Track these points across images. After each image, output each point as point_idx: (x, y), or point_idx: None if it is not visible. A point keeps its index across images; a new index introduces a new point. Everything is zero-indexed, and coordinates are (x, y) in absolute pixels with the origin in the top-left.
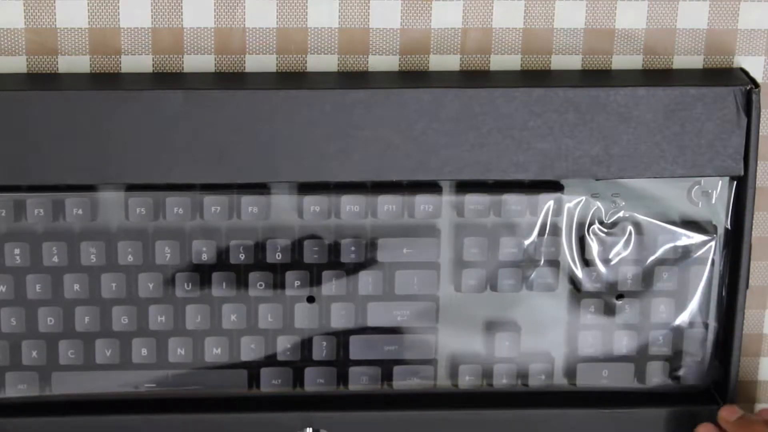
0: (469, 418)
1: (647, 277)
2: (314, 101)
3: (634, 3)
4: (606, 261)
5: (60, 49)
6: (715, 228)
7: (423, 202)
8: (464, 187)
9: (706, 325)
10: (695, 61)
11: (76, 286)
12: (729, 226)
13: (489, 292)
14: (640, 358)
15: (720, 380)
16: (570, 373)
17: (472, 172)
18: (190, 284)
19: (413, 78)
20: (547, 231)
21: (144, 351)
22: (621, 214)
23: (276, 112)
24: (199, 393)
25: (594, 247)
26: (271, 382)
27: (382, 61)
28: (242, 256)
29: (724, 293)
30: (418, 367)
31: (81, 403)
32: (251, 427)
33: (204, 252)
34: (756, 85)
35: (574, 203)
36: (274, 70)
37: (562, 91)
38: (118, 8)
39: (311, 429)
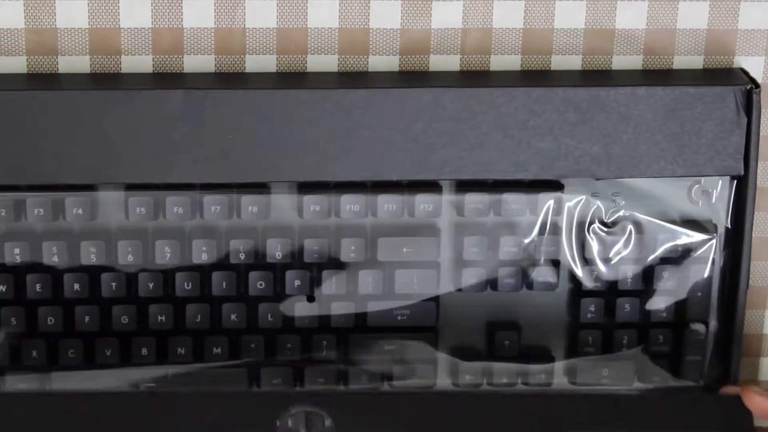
0: (469, 417)
1: (647, 276)
2: (314, 101)
3: (634, 3)
4: (606, 260)
5: (60, 49)
6: (716, 227)
7: (423, 202)
8: (464, 186)
9: (706, 325)
10: (695, 61)
11: (76, 286)
12: (729, 226)
13: (489, 292)
14: (640, 357)
15: (720, 380)
16: (570, 372)
17: (472, 171)
18: (190, 284)
19: (413, 78)
20: (547, 230)
21: (144, 350)
22: (621, 213)
23: (276, 112)
24: (199, 392)
25: (594, 246)
26: (271, 381)
27: (382, 61)
28: (242, 256)
29: (724, 293)
30: (418, 366)
31: (81, 402)
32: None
33: (204, 252)
34: (756, 85)
35: (574, 202)
36: (274, 70)
37: (562, 91)
38: (118, 8)
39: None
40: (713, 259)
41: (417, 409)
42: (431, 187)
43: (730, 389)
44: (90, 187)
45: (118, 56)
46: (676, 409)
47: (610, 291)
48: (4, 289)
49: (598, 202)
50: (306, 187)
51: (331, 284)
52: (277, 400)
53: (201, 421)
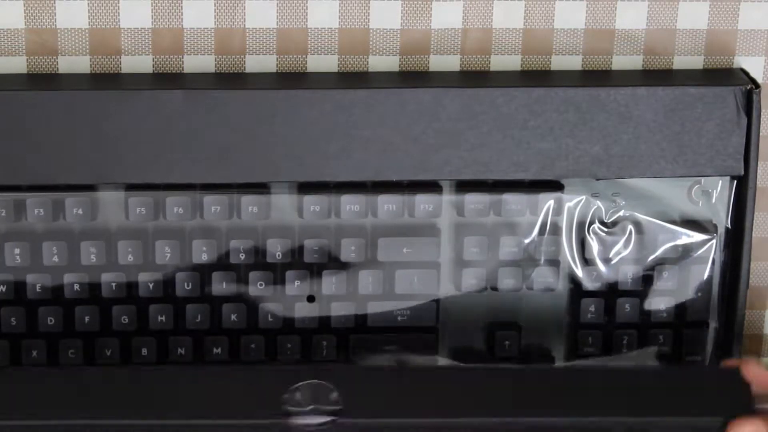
0: (475, 390)
1: (647, 276)
2: (314, 101)
3: (634, 3)
4: (606, 260)
5: (60, 49)
6: (716, 227)
7: (423, 202)
8: (464, 186)
9: (706, 325)
10: (695, 62)
11: (76, 286)
12: (729, 226)
13: (489, 292)
14: (640, 357)
15: None
16: None
17: (472, 171)
18: (190, 284)
19: (413, 78)
20: (547, 230)
21: (144, 351)
22: (621, 213)
23: (276, 112)
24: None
25: (594, 246)
26: None
27: (382, 62)
28: (242, 256)
29: (724, 293)
30: (418, 366)
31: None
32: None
33: (204, 252)
34: (756, 85)
35: (574, 203)
36: (274, 70)
37: (562, 91)
38: (118, 8)
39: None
40: (713, 260)
41: (422, 383)
42: (431, 187)
43: (730, 362)
44: (90, 187)
45: (118, 56)
46: (674, 381)
47: (611, 291)
48: (4, 289)
49: (598, 202)
50: (306, 187)
51: (331, 284)
52: (284, 374)
53: (207, 394)
